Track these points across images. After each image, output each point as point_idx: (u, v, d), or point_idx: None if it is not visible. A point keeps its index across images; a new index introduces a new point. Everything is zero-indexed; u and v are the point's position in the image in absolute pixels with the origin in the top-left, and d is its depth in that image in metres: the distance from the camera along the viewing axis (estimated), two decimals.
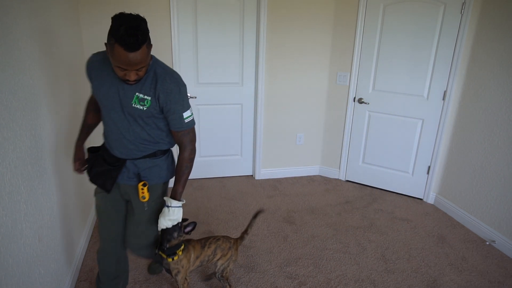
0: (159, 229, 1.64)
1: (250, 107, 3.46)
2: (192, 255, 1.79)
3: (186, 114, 1.63)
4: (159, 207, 1.67)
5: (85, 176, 2.55)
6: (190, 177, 3.54)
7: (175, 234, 1.64)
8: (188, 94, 3.26)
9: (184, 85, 1.58)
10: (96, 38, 2.80)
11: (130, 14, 1.33)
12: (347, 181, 3.66)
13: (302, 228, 2.77)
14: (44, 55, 1.82)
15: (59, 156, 1.98)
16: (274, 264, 2.33)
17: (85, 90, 2.82)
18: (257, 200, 3.18)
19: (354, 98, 3.38)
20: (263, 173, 3.64)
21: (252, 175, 3.71)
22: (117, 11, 2.79)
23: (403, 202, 3.25)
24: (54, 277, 1.76)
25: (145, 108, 1.48)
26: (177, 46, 3.01)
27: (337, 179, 3.69)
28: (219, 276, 1.93)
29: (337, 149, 3.64)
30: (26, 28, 1.59)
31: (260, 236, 2.63)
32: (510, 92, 2.48)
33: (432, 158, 3.15)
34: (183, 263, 1.73)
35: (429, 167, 3.19)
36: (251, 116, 3.49)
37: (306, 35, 3.28)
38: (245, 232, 1.98)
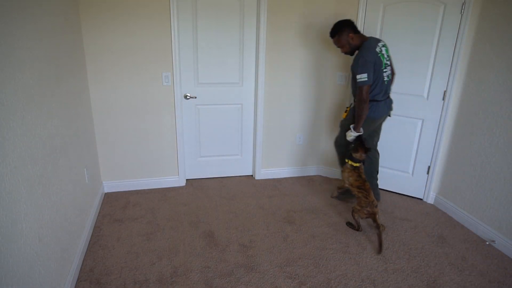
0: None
1: (250, 107, 3.46)
2: (351, 179, 2.73)
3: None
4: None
5: (84, 176, 2.55)
6: (190, 177, 3.55)
7: (351, 146, 2.77)
8: (188, 94, 3.26)
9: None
10: (96, 38, 2.80)
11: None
12: None
13: (302, 228, 2.77)
14: (44, 55, 1.82)
15: (59, 156, 1.98)
16: (274, 264, 2.33)
17: (85, 90, 2.83)
18: (257, 200, 3.18)
19: None
20: (263, 173, 3.65)
21: (252, 175, 3.71)
22: (117, 11, 2.80)
23: (403, 202, 3.25)
24: (54, 277, 1.76)
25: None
26: (177, 46, 3.01)
27: (337, 179, 3.69)
28: (351, 211, 2.77)
29: None
30: (26, 29, 1.59)
31: (260, 236, 2.64)
32: (510, 92, 2.48)
33: (432, 158, 3.15)
34: (346, 171, 2.77)
35: (429, 167, 3.19)
36: (251, 116, 3.49)
37: (306, 35, 3.28)
38: (376, 223, 2.58)
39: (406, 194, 3.38)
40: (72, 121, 2.32)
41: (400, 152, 3.29)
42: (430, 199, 3.25)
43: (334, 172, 3.71)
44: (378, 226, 2.55)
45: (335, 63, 3.39)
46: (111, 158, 3.17)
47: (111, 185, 3.25)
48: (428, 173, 3.21)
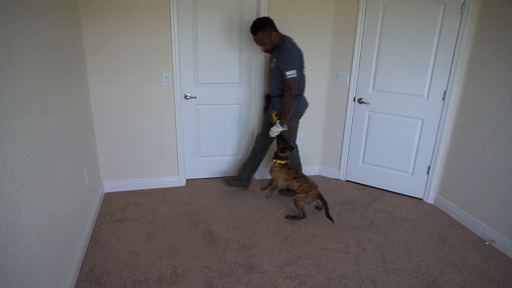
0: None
1: (250, 107, 3.46)
2: (283, 175, 2.85)
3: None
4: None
5: (84, 176, 2.55)
6: (190, 177, 3.55)
7: (279, 146, 2.87)
8: (188, 94, 3.26)
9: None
10: (96, 38, 2.80)
11: None
12: (347, 181, 3.66)
13: (302, 228, 2.77)
14: (44, 55, 1.82)
15: (59, 156, 1.98)
16: (274, 264, 2.33)
17: (85, 90, 2.83)
18: (257, 199, 3.18)
19: (354, 98, 3.38)
20: (263, 173, 3.64)
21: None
22: (117, 11, 2.80)
23: (403, 202, 3.25)
24: (54, 277, 1.76)
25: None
26: (177, 46, 3.01)
27: (337, 179, 3.69)
28: (294, 203, 2.84)
29: (337, 149, 3.64)
30: (26, 29, 1.59)
31: (260, 236, 2.63)
32: (510, 92, 2.48)
33: (432, 158, 3.15)
34: (276, 170, 2.88)
35: (429, 167, 3.19)
36: (251, 116, 3.49)
37: (306, 35, 3.28)
38: (323, 201, 2.76)
39: (406, 194, 3.38)
40: (72, 121, 2.32)
41: (400, 152, 3.29)
42: (430, 199, 3.25)
43: (334, 172, 3.71)
44: (325, 202, 2.75)
45: (335, 63, 3.39)
46: (111, 158, 3.17)
47: (111, 185, 3.25)
48: (428, 173, 3.21)
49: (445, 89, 2.95)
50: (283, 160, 2.86)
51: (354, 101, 3.39)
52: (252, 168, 3.30)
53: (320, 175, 3.79)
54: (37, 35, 1.74)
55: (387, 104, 3.23)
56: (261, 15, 3.10)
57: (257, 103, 3.40)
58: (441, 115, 3.02)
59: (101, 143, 3.10)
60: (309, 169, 3.77)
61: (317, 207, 3.04)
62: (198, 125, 3.40)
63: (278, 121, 2.85)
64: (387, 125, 3.28)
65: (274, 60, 2.80)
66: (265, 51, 2.85)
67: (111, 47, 2.86)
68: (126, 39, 2.87)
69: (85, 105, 2.77)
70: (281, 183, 2.88)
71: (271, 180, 2.98)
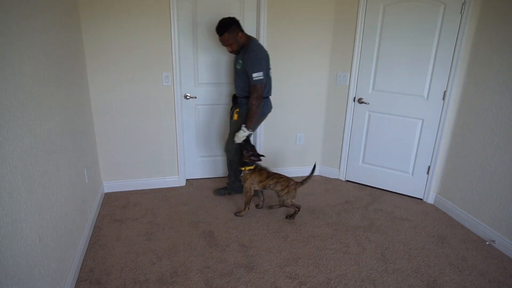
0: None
1: None
2: (256, 178, 2.77)
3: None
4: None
5: (84, 176, 2.55)
6: (190, 177, 3.55)
7: (244, 152, 2.75)
8: (188, 94, 3.26)
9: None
10: (96, 38, 2.80)
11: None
12: (347, 181, 3.66)
13: (302, 228, 2.77)
14: (44, 55, 1.82)
15: (59, 156, 1.98)
16: (274, 264, 2.33)
17: (85, 90, 2.82)
18: (257, 199, 3.18)
19: (354, 98, 3.38)
20: None
21: None
22: (117, 11, 2.80)
23: (403, 202, 3.25)
24: (54, 277, 1.76)
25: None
26: (177, 46, 3.01)
27: (337, 179, 3.69)
28: (283, 203, 2.79)
29: (337, 149, 3.64)
30: (26, 29, 1.59)
31: (260, 236, 2.64)
32: (510, 92, 2.48)
33: (432, 158, 3.15)
34: (248, 178, 2.77)
35: (429, 167, 3.19)
36: None
37: (306, 35, 3.28)
38: (304, 181, 2.75)
39: (406, 194, 3.38)
40: (72, 121, 2.32)
41: (400, 152, 3.29)
42: (430, 199, 3.25)
43: (334, 172, 3.71)
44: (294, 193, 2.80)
45: (335, 63, 3.39)
46: (111, 158, 3.17)
47: (111, 185, 3.25)
48: (428, 173, 3.21)
49: (445, 89, 2.95)
50: (252, 165, 2.78)
51: (354, 101, 3.39)
52: (234, 175, 3.15)
53: (320, 175, 3.79)
54: (37, 35, 1.74)
55: (387, 104, 3.23)
56: (261, 15, 3.11)
57: None
58: (441, 115, 3.02)
59: (101, 143, 3.10)
60: (309, 169, 3.76)
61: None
62: (198, 125, 3.40)
63: (244, 125, 2.76)
64: (387, 125, 3.28)
65: (240, 61, 2.71)
66: (231, 52, 2.77)
67: (111, 47, 2.86)
68: (126, 38, 2.87)
69: (85, 105, 2.77)
70: (257, 187, 2.80)
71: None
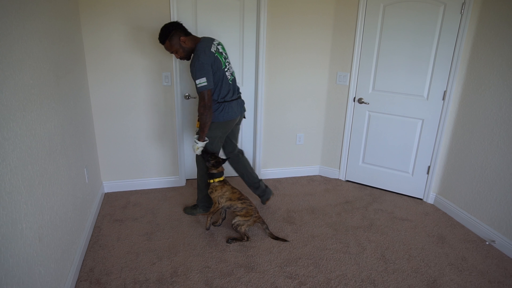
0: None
1: (250, 107, 3.46)
2: (227, 194, 2.55)
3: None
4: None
5: (84, 176, 2.55)
6: (190, 177, 3.54)
7: (207, 163, 2.56)
8: (189, 94, 3.26)
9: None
10: (96, 38, 2.80)
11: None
12: (347, 181, 3.66)
13: (302, 228, 2.77)
14: (44, 55, 1.82)
15: (59, 156, 1.98)
16: (274, 264, 2.33)
17: (85, 90, 2.83)
18: (257, 199, 3.18)
19: (354, 98, 3.38)
20: (263, 173, 3.64)
21: None
22: (117, 11, 2.80)
23: (403, 202, 3.25)
24: (54, 277, 1.76)
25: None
26: None
27: (337, 179, 3.69)
28: (234, 227, 2.55)
29: (337, 149, 3.64)
30: (26, 29, 1.59)
31: (260, 236, 2.63)
32: (510, 92, 2.48)
33: (432, 158, 3.15)
34: (217, 190, 2.56)
35: (429, 167, 3.19)
36: (251, 116, 3.49)
37: (306, 35, 3.28)
38: (273, 235, 2.62)
39: (406, 194, 3.38)
40: (72, 121, 2.32)
41: (400, 152, 3.29)
42: (430, 199, 3.25)
43: (334, 172, 3.71)
44: (267, 226, 2.64)
45: (335, 63, 3.39)
46: (111, 158, 3.17)
47: (111, 185, 3.25)
48: (428, 173, 3.21)
49: (445, 89, 2.95)
50: (220, 176, 2.57)
51: (354, 101, 3.39)
52: (251, 182, 2.96)
53: (320, 175, 3.79)
54: (37, 35, 1.74)
55: (387, 104, 3.23)
56: (261, 15, 3.10)
57: (258, 103, 3.40)
58: (441, 115, 3.02)
59: (101, 143, 3.10)
60: (309, 169, 3.77)
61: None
62: None
63: (196, 136, 2.54)
64: (387, 125, 3.28)
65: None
66: (181, 59, 2.51)
67: (111, 47, 2.86)
68: (126, 39, 2.87)
69: (85, 105, 2.77)
70: (223, 203, 2.56)
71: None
